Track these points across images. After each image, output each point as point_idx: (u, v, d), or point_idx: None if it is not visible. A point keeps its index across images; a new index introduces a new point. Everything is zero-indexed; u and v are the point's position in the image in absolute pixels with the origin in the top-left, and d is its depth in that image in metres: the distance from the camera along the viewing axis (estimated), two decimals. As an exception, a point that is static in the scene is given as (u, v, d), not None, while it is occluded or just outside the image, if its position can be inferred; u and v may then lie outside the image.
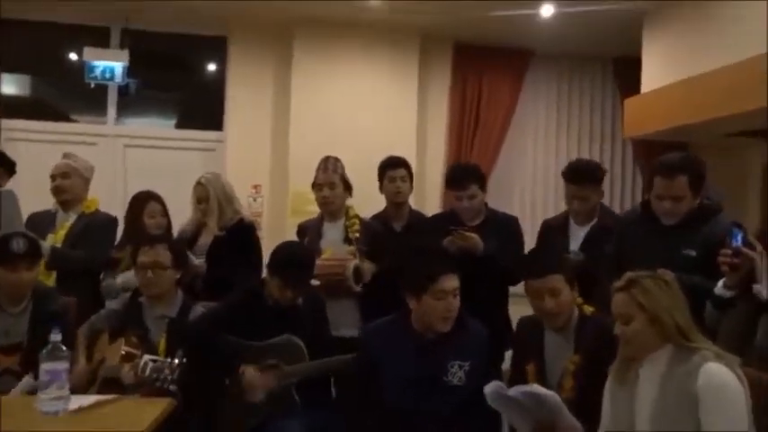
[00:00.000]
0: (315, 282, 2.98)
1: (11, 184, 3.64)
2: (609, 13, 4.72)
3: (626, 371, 1.98)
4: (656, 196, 2.57)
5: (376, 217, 3.53)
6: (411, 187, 3.55)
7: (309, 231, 3.35)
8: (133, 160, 5.35)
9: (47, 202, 3.52)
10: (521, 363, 2.42)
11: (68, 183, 3.41)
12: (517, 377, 2.38)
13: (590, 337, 2.27)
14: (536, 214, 5.57)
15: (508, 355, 2.79)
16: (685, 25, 4.47)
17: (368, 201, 3.51)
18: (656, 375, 1.90)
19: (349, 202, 3.38)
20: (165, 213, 3.51)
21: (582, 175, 3.11)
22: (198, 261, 3.30)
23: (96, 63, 5.08)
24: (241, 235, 3.37)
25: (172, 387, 2.42)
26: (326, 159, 3.37)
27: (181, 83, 5.91)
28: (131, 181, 5.01)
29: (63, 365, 2.11)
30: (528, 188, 5.85)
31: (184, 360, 2.46)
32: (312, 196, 3.46)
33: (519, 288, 3.07)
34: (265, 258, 3.03)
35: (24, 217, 3.33)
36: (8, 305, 2.67)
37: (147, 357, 2.48)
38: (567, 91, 5.92)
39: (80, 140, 5.11)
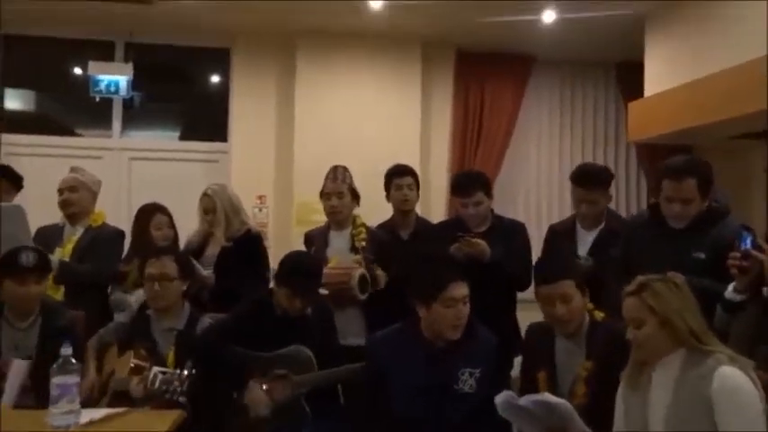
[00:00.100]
0: (323, 291, 2.97)
1: (17, 199, 3.66)
2: (610, 19, 4.74)
3: (639, 376, 1.96)
4: (666, 199, 2.56)
5: (383, 225, 3.53)
6: (418, 195, 3.56)
7: (316, 240, 3.36)
8: (138, 173, 5.37)
9: (53, 217, 3.53)
10: (531, 370, 2.40)
11: (76, 196, 3.42)
12: (528, 384, 2.37)
13: (601, 342, 2.26)
14: (541, 220, 5.57)
15: (517, 361, 2.79)
16: (687, 29, 4.48)
17: (372, 209, 3.51)
18: (669, 380, 1.89)
19: (354, 210, 3.38)
20: (172, 225, 3.51)
21: (590, 179, 3.10)
22: (206, 272, 3.30)
23: (101, 77, 5.11)
24: (248, 246, 3.38)
25: (181, 399, 2.42)
26: (335, 168, 3.37)
27: (185, 95, 5.95)
28: (137, 194, 5.02)
29: (74, 379, 2.10)
30: (533, 194, 5.85)
31: (193, 372, 2.46)
32: (317, 206, 3.47)
33: (527, 294, 3.08)
34: (272, 269, 3.03)
35: (32, 231, 3.33)
36: (17, 320, 2.67)
37: (156, 369, 2.48)
38: (570, 96, 5.93)
39: (85, 154, 5.14)
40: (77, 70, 5.45)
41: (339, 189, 3.29)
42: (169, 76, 5.85)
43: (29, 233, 3.14)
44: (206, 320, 2.83)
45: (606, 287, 2.64)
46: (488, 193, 3.26)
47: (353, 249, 3.25)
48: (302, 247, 3.39)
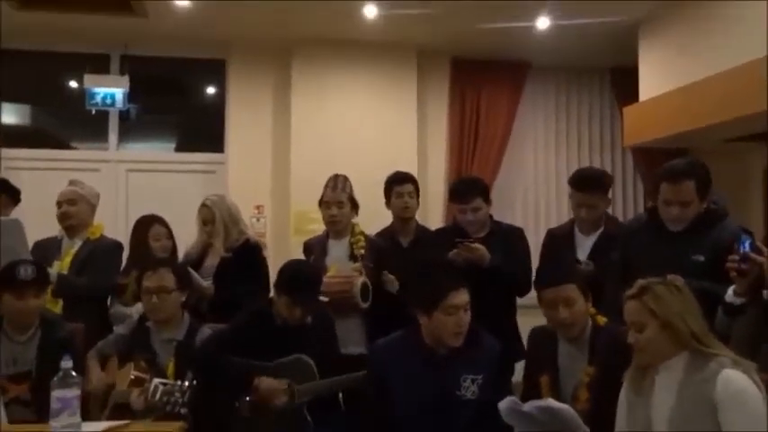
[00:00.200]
0: (323, 298, 2.96)
1: (15, 213, 3.66)
2: (604, 24, 4.77)
3: (641, 379, 1.96)
4: (664, 202, 2.57)
5: (382, 233, 3.53)
6: (418, 203, 3.55)
7: (315, 249, 3.36)
8: (136, 185, 5.38)
9: (51, 230, 3.52)
10: (534, 374, 2.40)
11: (75, 209, 3.41)
12: (530, 388, 2.37)
13: (604, 347, 2.25)
14: (539, 225, 5.59)
15: (518, 367, 2.79)
16: (680, 33, 4.51)
17: (370, 217, 3.50)
18: (672, 383, 1.88)
19: (352, 219, 3.37)
20: (171, 236, 3.51)
21: (589, 183, 3.10)
22: (205, 283, 3.29)
23: (97, 90, 5.12)
24: (247, 255, 3.37)
25: (182, 410, 2.41)
26: (336, 177, 3.37)
27: (181, 106, 5.95)
28: (134, 206, 5.02)
29: (74, 392, 2.09)
30: (530, 199, 5.87)
31: (194, 383, 2.45)
32: (314, 215, 3.46)
33: (527, 299, 3.08)
34: (271, 278, 3.03)
35: (30, 245, 3.32)
36: (15, 333, 2.66)
37: (156, 381, 2.47)
38: (566, 102, 5.96)
39: (82, 167, 5.14)
40: (73, 83, 5.46)
41: (339, 198, 3.29)
42: (165, 87, 5.86)
43: (27, 246, 3.13)
44: (206, 331, 2.82)
45: (606, 291, 2.64)
46: (487, 199, 3.27)
47: (352, 258, 3.25)
48: (301, 257, 3.38)
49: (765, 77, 3.46)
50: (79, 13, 4.61)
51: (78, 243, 3.41)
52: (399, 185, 3.49)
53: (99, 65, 5.28)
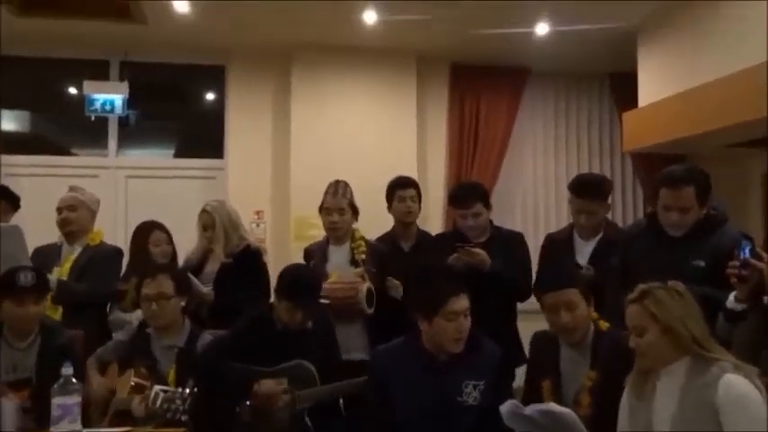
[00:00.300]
0: (324, 300, 2.95)
1: (15, 219, 3.65)
2: (603, 30, 4.78)
3: (643, 384, 1.96)
4: (663, 207, 2.57)
5: (383, 237, 3.52)
6: (420, 207, 3.55)
7: (315, 255, 3.35)
8: (135, 191, 5.37)
9: (50, 236, 3.52)
10: (536, 378, 2.39)
11: (75, 215, 3.41)
12: (532, 393, 2.36)
13: (606, 352, 2.25)
14: (538, 230, 5.58)
15: (519, 372, 2.78)
16: (679, 39, 4.52)
17: (369, 223, 3.49)
18: (674, 388, 1.88)
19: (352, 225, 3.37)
20: (171, 241, 3.51)
21: (589, 190, 3.09)
22: (206, 289, 3.29)
23: (96, 96, 5.12)
24: (247, 261, 3.37)
25: (183, 417, 2.40)
26: (336, 183, 3.36)
27: (181, 113, 5.96)
28: (133, 212, 5.02)
29: (75, 399, 2.09)
30: (530, 205, 5.87)
31: (195, 389, 2.44)
32: (314, 221, 3.45)
33: (528, 304, 3.08)
34: (272, 284, 3.02)
35: (29, 251, 3.32)
36: (15, 340, 2.65)
37: (157, 388, 2.46)
38: (565, 107, 5.98)
39: (82, 173, 5.14)
40: (72, 90, 5.46)
41: (340, 205, 3.28)
42: (164, 94, 5.87)
43: (27, 253, 3.13)
44: (207, 337, 2.81)
45: (606, 296, 2.64)
46: (487, 205, 3.27)
47: (353, 263, 3.24)
48: (300, 262, 3.37)
49: (765, 83, 3.47)
50: (79, 19, 4.62)
51: (78, 249, 3.41)
52: (402, 190, 3.49)
53: (98, 71, 5.29)
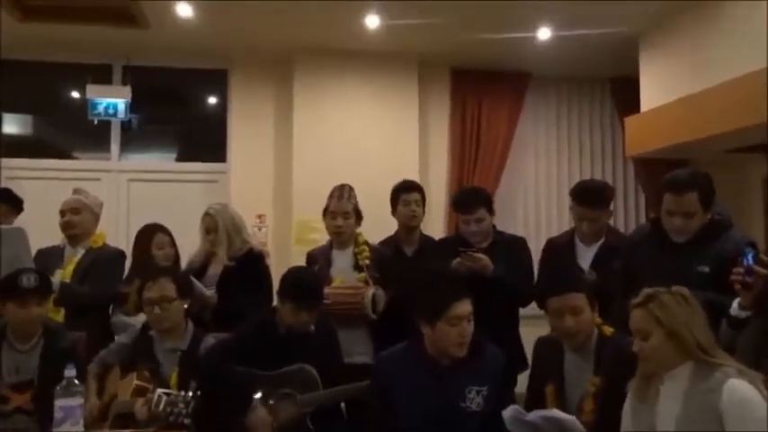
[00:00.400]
0: (326, 300, 2.94)
1: (18, 222, 3.66)
2: (604, 35, 4.79)
3: (646, 388, 1.95)
4: (667, 212, 2.56)
5: (386, 241, 3.52)
6: (424, 211, 3.55)
7: (319, 259, 3.34)
8: (137, 194, 5.39)
9: (52, 239, 3.52)
10: (539, 383, 2.38)
11: (78, 218, 3.41)
12: (535, 398, 2.36)
13: (610, 358, 2.24)
14: (540, 234, 5.59)
15: (521, 378, 2.78)
16: (681, 44, 4.53)
17: (371, 227, 3.50)
18: (677, 392, 1.88)
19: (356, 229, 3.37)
20: (173, 244, 3.51)
21: (591, 197, 3.08)
22: (209, 292, 3.29)
23: (99, 100, 5.15)
24: (250, 264, 3.36)
25: (186, 421, 2.39)
26: (342, 187, 3.36)
27: (183, 116, 5.98)
28: (135, 215, 5.03)
29: (77, 401, 2.09)
30: (531, 209, 5.88)
31: (198, 393, 2.44)
32: (316, 224, 3.45)
33: (530, 309, 3.08)
34: (274, 287, 3.02)
35: (32, 253, 3.32)
36: (18, 342, 2.65)
37: (160, 391, 2.45)
38: (566, 112, 5.99)
39: (84, 176, 5.15)
40: (75, 94, 5.48)
41: (345, 209, 3.28)
42: (167, 97, 5.89)
43: (30, 255, 3.13)
44: (210, 340, 2.81)
45: (609, 302, 2.63)
46: (490, 210, 3.27)
47: (357, 268, 3.24)
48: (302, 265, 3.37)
49: (765, 89, 3.48)
50: (81, 24, 4.64)
51: (81, 252, 3.41)
52: (406, 193, 3.49)
53: (101, 75, 5.31)
